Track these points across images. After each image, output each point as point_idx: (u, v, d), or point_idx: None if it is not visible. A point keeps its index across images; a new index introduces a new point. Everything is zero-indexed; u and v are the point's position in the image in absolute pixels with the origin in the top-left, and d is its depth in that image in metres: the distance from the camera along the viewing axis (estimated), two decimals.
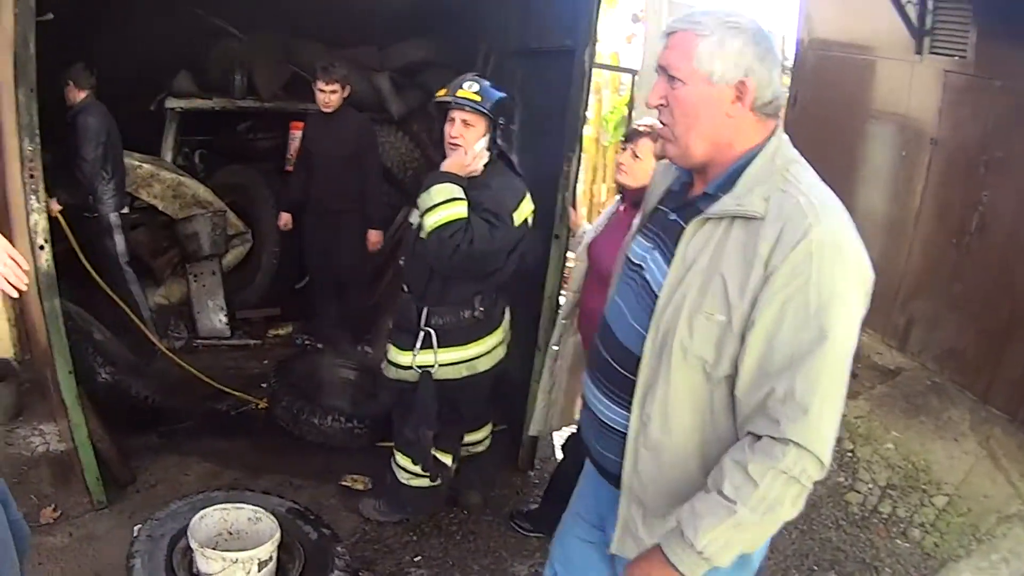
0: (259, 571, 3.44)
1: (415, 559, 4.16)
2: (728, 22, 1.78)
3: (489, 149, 3.61)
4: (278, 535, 3.54)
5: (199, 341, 6.45)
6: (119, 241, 5.78)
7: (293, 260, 6.69)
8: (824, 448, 1.70)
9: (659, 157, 3.25)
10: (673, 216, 1.97)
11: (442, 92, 3.66)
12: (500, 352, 3.97)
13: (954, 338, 5.59)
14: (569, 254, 4.43)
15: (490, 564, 4.18)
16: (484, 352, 3.86)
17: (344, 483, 4.70)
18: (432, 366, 3.79)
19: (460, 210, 3.50)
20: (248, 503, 3.77)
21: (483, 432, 4.36)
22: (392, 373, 3.96)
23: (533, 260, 4.38)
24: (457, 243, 3.43)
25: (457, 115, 3.57)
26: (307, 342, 6.44)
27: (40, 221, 3.63)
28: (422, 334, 3.75)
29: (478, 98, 3.54)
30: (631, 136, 3.51)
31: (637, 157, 3.44)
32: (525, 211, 3.67)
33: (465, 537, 4.36)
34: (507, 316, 4.02)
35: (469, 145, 3.56)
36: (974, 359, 5.39)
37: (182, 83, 6.64)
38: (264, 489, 4.21)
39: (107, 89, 5.77)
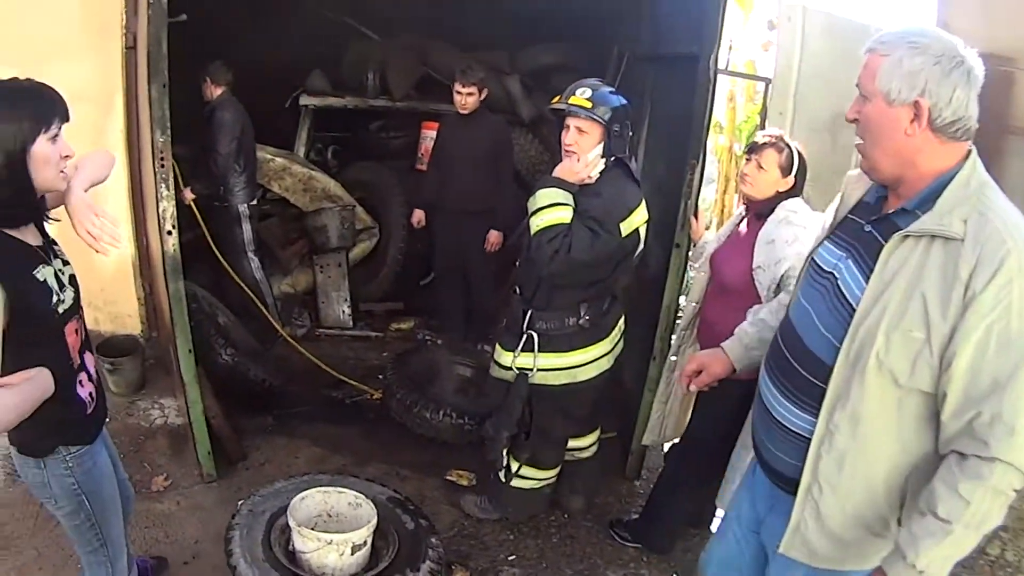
0: (352, 554, 3.38)
1: (509, 558, 4.00)
2: (911, 42, 1.78)
3: (604, 156, 3.43)
4: (375, 521, 3.47)
5: (321, 330, 6.47)
6: (247, 230, 5.88)
7: (418, 256, 6.68)
8: None
9: (785, 168, 3.29)
10: (868, 228, 1.98)
11: (556, 99, 3.50)
12: (604, 363, 3.75)
13: None
14: (689, 264, 4.24)
15: (584, 570, 3.98)
16: (586, 361, 3.67)
17: (449, 478, 4.60)
18: (530, 369, 3.65)
19: (562, 215, 3.36)
20: (350, 488, 3.72)
21: (589, 439, 4.17)
22: (495, 371, 3.87)
23: (654, 268, 4.21)
24: (555, 248, 3.31)
25: (571, 122, 3.40)
26: (428, 338, 6.37)
27: (168, 208, 3.72)
28: (525, 336, 3.63)
29: (589, 105, 3.35)
30: (755, 147, 3.36)
31: (761, 168, 3.30)
32: (636, 221, 3.46)
33: (562, 540, 4.17)
34: (619, 327, 3.82)
35: (583, 152, 3.40)
36: None
37: (316, 82, 6.71)
38: (369, 477, 4.17)
39: (244, 86, 5.87)
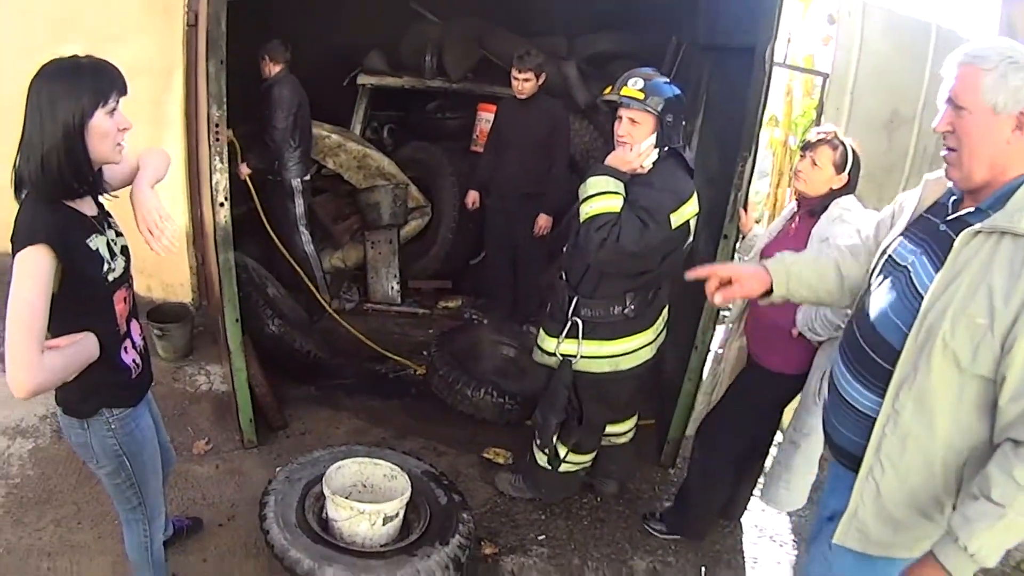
0: (383, 525, 3.38)
1: (539, 537, 3.92)
2: (1010, 58, 1.86)
3: (657, 146, 3.31)
4: (408, 494, 3.46)
5: (370, 305, 6.44)
6: (299, 205, 5.85)
7: (469, 236, 6.60)
8: None
9: (839, 165, 3.18)
10: (943, 227, 2.05)
11: (608, 90, 3.38)
12: (646, 353, 3.63)
13: None
14: (737, 256, 4.12)
15: (611, 553, 3.88)
16: (629, 351, 3.56)
17: (486, 455, 4.54)
18: (574, 356, 3.56)
19: (612, 204, 3.25)
20: (387, 460, 3.71)
21: (627, 424, 4.06)
22: (538, 356, 3.78)
23: (702, 258, 4.11)
24: (603, 237, 3.20)
25: (623, 112, 3.29)
26: (475, 317, 6.32)
27: (221, 180, 3.73)
28: (569, 323, 3.54)
29: (641, 96, 3.23)
30: (809, 144, 3.24)
31: (816, 165, 3.19)
32: (686, 213, 3.32)
33: (592, 524, 4.08)
34: (663, 317, 3.70)
35: (635, 142, 3.29)
36: None
37: (374, 61, 6.65)
38: (407, 450, 4.17)
39: (303, 64, 5.84)
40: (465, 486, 4.18)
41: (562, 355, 3.59)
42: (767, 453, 3.79)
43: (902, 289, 2.07)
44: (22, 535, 3.56)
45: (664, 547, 3.96)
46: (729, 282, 2.49)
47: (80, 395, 2.43)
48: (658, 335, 3.67)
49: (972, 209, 1.99)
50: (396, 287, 6.50)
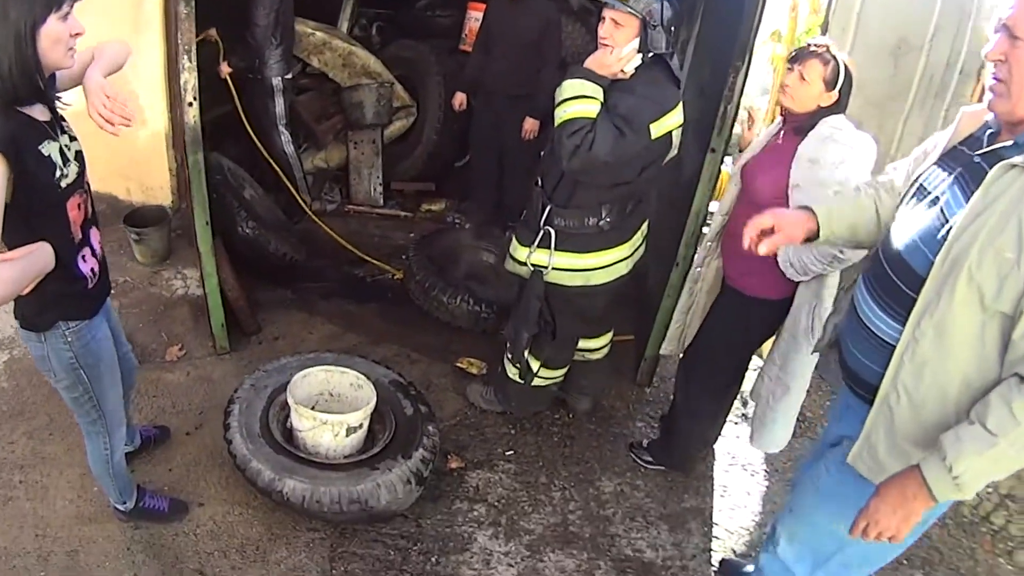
0: (347, 436, 3.30)
1: (506, 453, 3.83)
2: None
3: (641, 52, 3.02)
4: (372, 405, 3.36)
5: (351, 207, 6.23)
6: (279, 104, 5.55)
7: (454, 138, 6.33)
8: None
9: (829, 81, 2.88)
10: (977, 159, 1.96)
11: None
12: (622, 268, 3.42)
13: None
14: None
15: (579, 473, 3.78)
16: (602, 265, 3.36)
17: (459, 365, 4.41)
18: (545, 267, 3.35)
19: (587, 109, 3.00)
20: (354, 369, 3.60)
21: (601, 340, 3.89)
22: (509, 266, 3.58)
23: (688, 172, 3.87)
24: (576, 144, 2.96)
25: (607, 13, 3.01)
26: (457, 220, 6.11)
27: (190, 80, 3.53)
28: (541, 232, 3.33)
29: None
30: (799, 56, 2.91)
31: (804, 80, 2.87)
32: (669, 124, 3.06)
33: (562, 441, 3.98)
34: (642, 231, 3.49)
35: (617, 46, 3.00)
36: None
37: None
38: (379, 358, 4.08)
39: None
40: (435, 396, 4.09)
41: (533, 265, 3.39)
42: (743, 379, 3.62)
43: (931, 218, 1.99)
44: None
45: (633, 469, 3.86)
46: (772, 230, 2.33)
47: (36, 308, 2.38)
48: (635, 250, 3.47)
49: (1009, 143, 1.90)
50: (379, 189, 6.26)
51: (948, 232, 1.90)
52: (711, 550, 3.49)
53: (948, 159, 2.09)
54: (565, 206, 3.29)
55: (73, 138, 2.35)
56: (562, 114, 3.04)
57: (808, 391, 3.29)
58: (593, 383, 4.08)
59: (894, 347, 2.01)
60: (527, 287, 3.46)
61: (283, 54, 5.47)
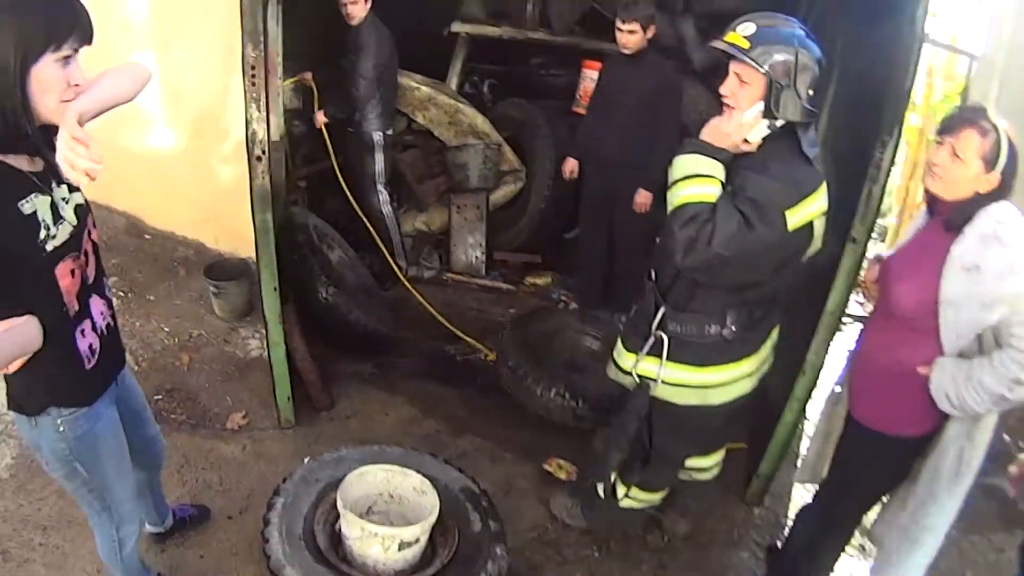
0: (399, 550, 2.89)
1: None
2: None
3: (768, 117, 2.49)
4: (432, 519, 2.94)
5: (450, 275, 5.93)
6: (379, 160, 5.35)
7: (563, 207, 5.91)
8: None
9: (989, 159, 2.28)
10: None
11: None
12: (745, 385, 2.87)
13: None
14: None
15: None
16: (723, 382, 2.81)
17: (547, 467, 3.95)
18: (653, 379, 2.83)
19: (703, 192, 2.48)
20: (421, 470, 3.19)
21: (713, 458, 3.30)
22: (611, 372, 3.07)
23: (822, 262, 3.30)
24: (690, 236, 2.43)
25: (732, 67, 2.51)
26: (563, 298, 5.72)
27: (259, 132, 3.32)
28: (652, 339, 2.81)
29: (746, 44, 2.43)
30: (950, 125, 2.34)
31: (956, 158, 2.30)
32: (810, 211, 2.48)
33: (653, 569, 3.42)
34: (772, 340, 2.92)
35: (740, 108, 2.50)
36: None
37: (471, 7, 6.04)
38: (458, 453, 3.84)
39: (393, 7, 5.29)
40: (514, 503, 3.65)
41: (639, 376, 2.87)
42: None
43: None
44: (22, 503, 3.41)
45: None
46: None
47: (24, 388, 2.10)
48: (762, 364, 2.90)
49: None
50: (481, 258, 5.95)
51: None
52: None
53: None
54: (682, 309, 2.76)
55: (74, 189, 2.04)
56: (674, 199, 2.55)
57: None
58: (698, 504, 3.52)
59: None
60: (629, 400, 2.95)
61: (384, 108, 5.30)
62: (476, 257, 5.94)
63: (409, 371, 4.72)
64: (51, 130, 1.81)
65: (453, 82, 6.29)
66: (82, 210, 2.06)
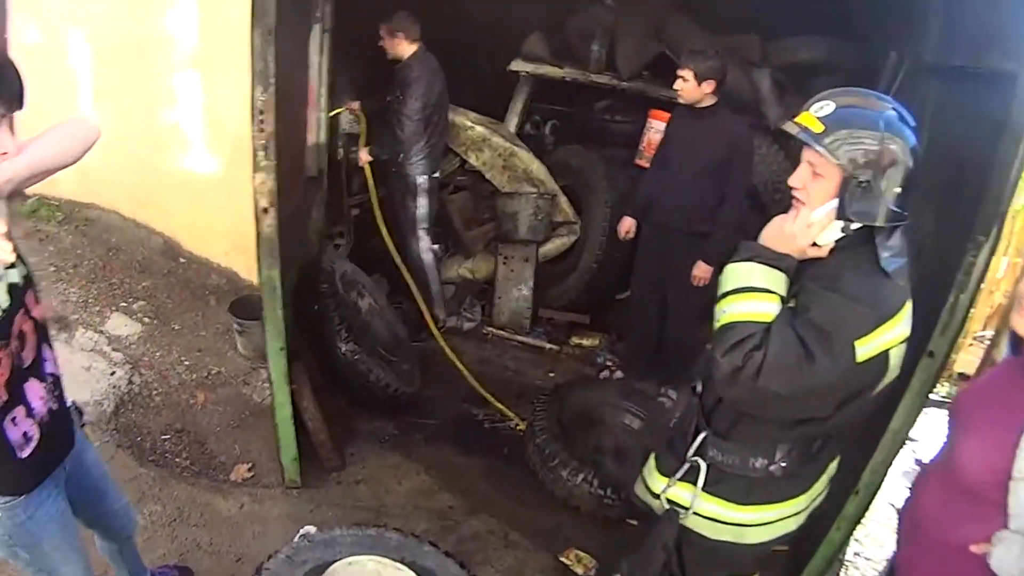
0: None
1: None
2: None
3: (840, 218, 2.08)
4: None
5: (491, 329, 5.74)
6: (421, 205, 5.22)
7: (617, 266, 5.64)
8: None
9: None
10: None
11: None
12: (790, 524, 2.44)
13: None
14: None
15: None
16: (765, 521, 2.40)
17: (564, 559, 3.68)
18: (685, 508, 2.43)
19: (756, 310, 2.09)
20: (416, 565, 2.94)
21: None
22: (639, 491, 2.68)
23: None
24: (736, 366, 2.02)
25: (804, 154, 2.11)
26: (608, 363, 5.46)
27: (267, 182, 3.15)
28: (688, 464, 2.41)
29: (819, 128, 2.03)
30: None
31: None
32: (887, 340, 2.03)
33: None
34: (828, 474, 2.48)
35: (811, 204, 2.10)
36: None
37: (534, 46, 5.82)
38: (474, 531, 3.70)
39: (452, 42, 5.19)
40: None
41: (669, 502, 2.49)
42: None
43: None
44: None
45: None
46: None
47: None
48: (814, 500, 2.48)
49: None
50: (526, 313, 5.74)
51: None
52: None
53: None
54: (724, 437, 2.37)
55: (10, 265, 1.84)
56: (720, 315, 2.15)
57: None
58: None
59: None
60: (656, 528, 2.57)
61: (431, 150, 5.17)
62: (521, 312, 5.74)
63: (431, 434, 4.53)
64: None
65: (512, 123, 6.11)
66: (18, 289, 1.89)
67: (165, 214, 5.48)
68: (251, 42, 2.93)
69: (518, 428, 4.63)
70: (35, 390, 2.01)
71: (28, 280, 1.94)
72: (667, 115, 5.08)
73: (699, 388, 2.46)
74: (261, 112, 3.01)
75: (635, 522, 3.33)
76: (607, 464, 4.06)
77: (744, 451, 2.32)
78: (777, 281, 2.10)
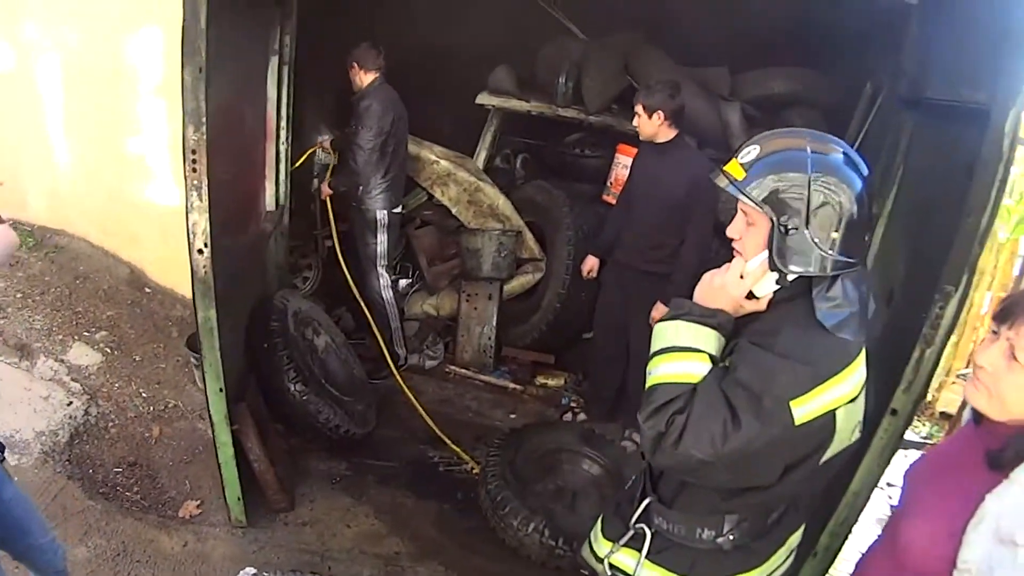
0: None
1: None
2: None
3: (774, 268, 1.99)
4: None
5: (453, 368, 5.75)
6: (381, 241, 5.25)
7: (581, 305, 5.60)
8: None
9: None
10: None
11: None
12: None
13: None
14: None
15: None
16: None
17: None
18: (629, 575, 2.34)
19: (682, 371, 1.99)
20: None
21: None
22: (584, 552, 2.57)
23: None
24: (658, 431, 1.92)
25: (739, 204, 2.04)
26: (572, 404, 5.47)
27: (200, 222, 3.16)
28: (632, 531, 2.32)
29: (741, 175, 1.97)
30: (1011, 309, 1.72)
31: (1015, 360, 1.67)
32: (828, 400, 1.89)
33: None
34: (789, 546, 2.30)
35: (747, 254, 2.03)
36: None
37: (500, 79, 5.85)
38: None
39: (417, 73, 5.26)
40: None
41: (611, 567, 2.40)
42: None
43: None
44: None
45: None
46: None
47: None
48: (772, 572, 2.30)
49: None
50: (489, 351, 5.75)
51: None
52: None
53: None
54: (669, 504, 2.26)
55: None
56: (648, 377, 2.06)
57: None
58: None
59: None
60: None
61: (390, 183, 5.19)
62: (484, 351, 5.75)
63: (384, 476, 4.54)
64: None
65: (482, 156, 6.16)
66: None
67: (132, 243, 5.55)
68: (181, 80, 2.93)
69: (473, 471, 4.62)
70: None
71: None
72: (634, 150, 5.04)
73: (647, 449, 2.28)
74: (193, 152, 3.02)
75: (587, 573, 3.27)
76: (560, 513, 4.04)
77: (690, 521, 2.21)
78: (706, 339, 2.02)
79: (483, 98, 5.90)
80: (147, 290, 5.62)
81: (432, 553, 4.00)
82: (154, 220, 5.38)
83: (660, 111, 4.34)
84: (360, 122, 4.97)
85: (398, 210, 5.30)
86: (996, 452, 1.70)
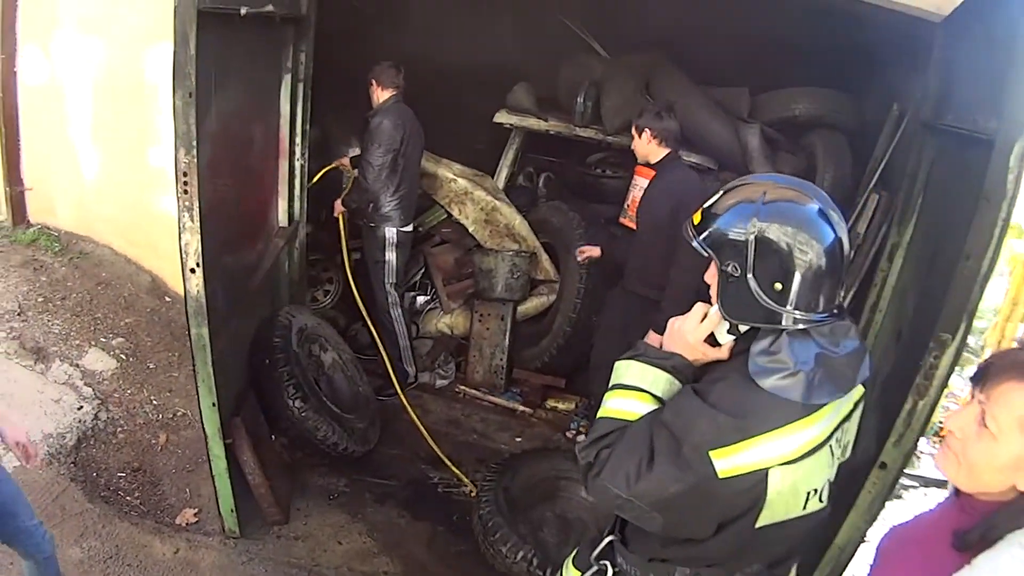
0: None
1: None
2: None
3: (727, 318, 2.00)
4: None
5: (464, 388, 5.85)
6: (389, 260, 5.36)
7: (592, 329, 5.63)
8: None
9: None
10: None
11: None
12: None
13: None
14: None
15: None
16: None
17: None
18: None
19: (623, 407, 2.05)
20: None
21: None
22: None
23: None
24: (589, 460, 2.00)
25: None
26: (582, 429, 5.53)
27: (192, 242, 3.28)
28: (595, 567, 2.29)
29: (697, 220, 2.02)
30: (984, 376, 1.61)
31: (985, 428, 1.56)
32: (759, 458, 1.83)
33: None
34: None
35: (714, 300, 2.03)
36: None
37: (520, 97, 5.95)
38: None
39: (439, 90, 5.39)
40: None
41: None
42: None
43: None
44: None
45: None
46: None
47: None
48: None
49: None
50: (500, 373, 5.84)
51: None
52: None
53: None
54: (626, 545, 2.26)
55: None
56: (601, 409, 2.13)
57: None
58: None
59: None
60: None
61: (401, 201, 5.30)
62: (495, 372, 5.84)
63: (382, 494, 4.64)
64: None
65: (504, 174, 6.27)
66: None
67: (154, 253, 5.74)
68: (172, 105, 3.05)
69: (472, 494, 4.69)
70: None
71: None
72: (652, 172, 4.92)
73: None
74: (185, 174, 3.14)
75: None
76: (551, 542, 4.12)
77: (644, 567, 2.19)
78: (654, 380, 2.05)
79: (501, 116, 6.02)
80: (167, 299, 5.80)
81: (419, 575, 4.08)
82: (175, 230, 5.54)
83: (647, 129, 4.44)
84: (371, 139, 5.10)
85: (408, 229, 5.41)
86: (963, 532, 1.59)
